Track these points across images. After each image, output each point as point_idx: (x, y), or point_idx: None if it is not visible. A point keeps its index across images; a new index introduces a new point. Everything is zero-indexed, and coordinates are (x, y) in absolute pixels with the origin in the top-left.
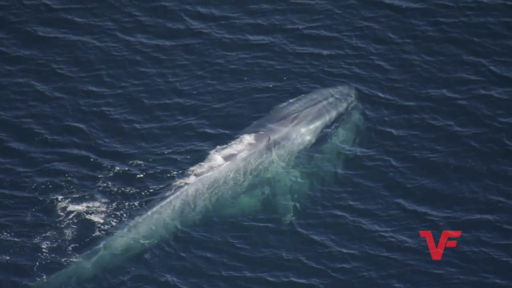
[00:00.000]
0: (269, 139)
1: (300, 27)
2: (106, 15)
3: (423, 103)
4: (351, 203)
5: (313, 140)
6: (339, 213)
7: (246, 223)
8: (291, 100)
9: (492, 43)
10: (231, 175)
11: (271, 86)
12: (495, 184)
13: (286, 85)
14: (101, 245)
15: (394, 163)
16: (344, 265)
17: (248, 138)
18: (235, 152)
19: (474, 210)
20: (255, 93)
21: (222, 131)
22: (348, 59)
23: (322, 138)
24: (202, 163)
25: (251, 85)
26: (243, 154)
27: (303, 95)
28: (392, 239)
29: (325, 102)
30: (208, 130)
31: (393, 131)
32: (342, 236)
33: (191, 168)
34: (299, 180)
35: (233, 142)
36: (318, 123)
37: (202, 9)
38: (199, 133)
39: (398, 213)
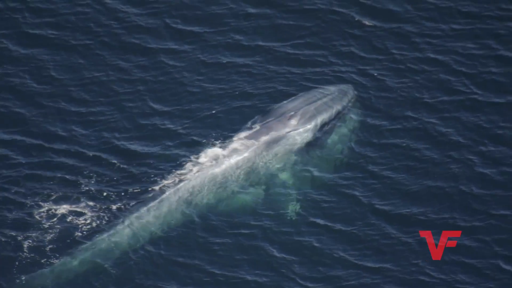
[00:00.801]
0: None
1: (279, 44)
2: (81, 32)
3: (402, 123)
4: (334, 212)
5: (311, 138)
6: (321, 222)
7: (216, 240)
8: (289, 99)
9: (472, 66)
10: (226, 174)
11: (248, 104)
12: (467, 206)
13: (263, 105)
14: (83, 247)
15: (371, 181)
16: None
17: (243, 136)
18: (230, 151)
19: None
20: (233, 110)
21: (197, 147)
22: (328, 77)
23: (320, 136)
24: (189, 164)
25: (229, 103)
26: (238, 153)
27: (301, 93)
28: (380, 253)
29: (323, 100)
30: (181, 150)
31: (368, 153)
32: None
33: (181, 169)
34: (294, 179)
35: (228, 140)
36: (316, 121)
37: (181, 27)
38: (177, 151)
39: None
